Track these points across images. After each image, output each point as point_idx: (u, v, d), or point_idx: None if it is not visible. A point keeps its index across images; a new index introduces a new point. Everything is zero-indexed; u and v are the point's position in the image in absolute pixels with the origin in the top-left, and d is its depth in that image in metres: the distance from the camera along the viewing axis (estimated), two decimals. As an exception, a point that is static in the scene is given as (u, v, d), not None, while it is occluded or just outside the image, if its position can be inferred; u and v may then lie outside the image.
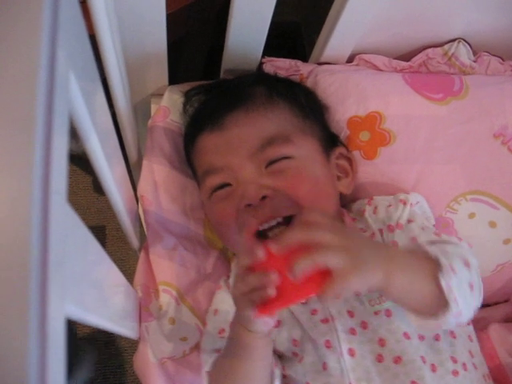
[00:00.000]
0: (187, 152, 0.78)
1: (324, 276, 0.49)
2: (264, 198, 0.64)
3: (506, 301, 0.83)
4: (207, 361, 0.65)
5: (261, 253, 0.51)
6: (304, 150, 0.69)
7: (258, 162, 0.67)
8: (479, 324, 0.79)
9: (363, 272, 0.49)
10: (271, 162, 0.67)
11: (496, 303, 0.83)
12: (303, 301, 0.52)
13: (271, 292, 0.49)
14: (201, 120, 0.74)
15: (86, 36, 0.42)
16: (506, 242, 0.77)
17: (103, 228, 1.39)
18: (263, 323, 0.55)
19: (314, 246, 0.49)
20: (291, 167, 0.67)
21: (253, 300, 0.51)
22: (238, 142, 0.68)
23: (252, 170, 0.67)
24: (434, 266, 0.54)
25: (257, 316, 0.51)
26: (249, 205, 0.64)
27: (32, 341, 0.22)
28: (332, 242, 0.49)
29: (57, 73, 0.27)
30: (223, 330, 0.68)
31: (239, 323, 0.57)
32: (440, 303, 0.53)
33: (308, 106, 0.74)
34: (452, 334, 0.65)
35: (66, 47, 0.31)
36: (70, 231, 0.31)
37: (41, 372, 0.23)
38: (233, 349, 0.60)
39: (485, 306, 0.83)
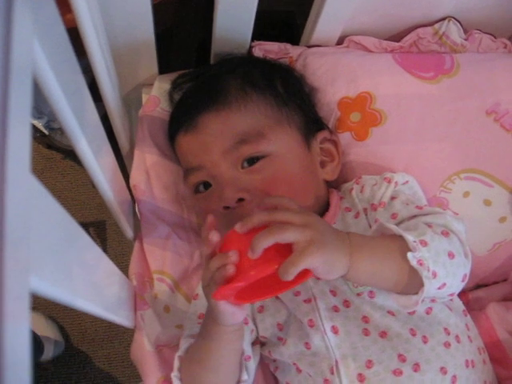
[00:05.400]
0: (172, 146, 0.78)
1: (284, 256, 0.48)
2: (241, 200, 0.64)
3: (504, 280, 0.82)
4: (182, 345, 0.66)
5: (214, 236, 0.52)
6: (280, 144, 0.68)
7: (232, 160, 0.66)
8: (478, 304, 0.78)
9: (325, 249, 0.49)
10: (247, 162, 0.66)
11: (494, 283, 0.82)
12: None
13: (230, 268, 0.49)
14: (176, 121, 0.75)
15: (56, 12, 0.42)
16: (502, 220, 0.76)
17: (103, 223, 1.39)
18: (231, 315, 0.55)
19: (275, 224, 0.49)
20: (267, 167, 0.66)
21: (216, 283, 0.51)
22: (211, 141, 0.68)
23: (227, 167, 0.66)
24: (403, 244, 0.54)
25: (217, 297, 0.51)
26: (227, 207, 0.65)
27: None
28: (292, 220, 0.50)
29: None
30: (203, 315, 0.68)
31: (210, 316, 0.58)
32: (418, 279, 0.53)
33: (286, 92, 0.73)
34: (447, 306, 0.65)
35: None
36: (36, 205, 0.30)
37: None
38: (204, 340, 0.61)
39: (483, 285, 0.82)
